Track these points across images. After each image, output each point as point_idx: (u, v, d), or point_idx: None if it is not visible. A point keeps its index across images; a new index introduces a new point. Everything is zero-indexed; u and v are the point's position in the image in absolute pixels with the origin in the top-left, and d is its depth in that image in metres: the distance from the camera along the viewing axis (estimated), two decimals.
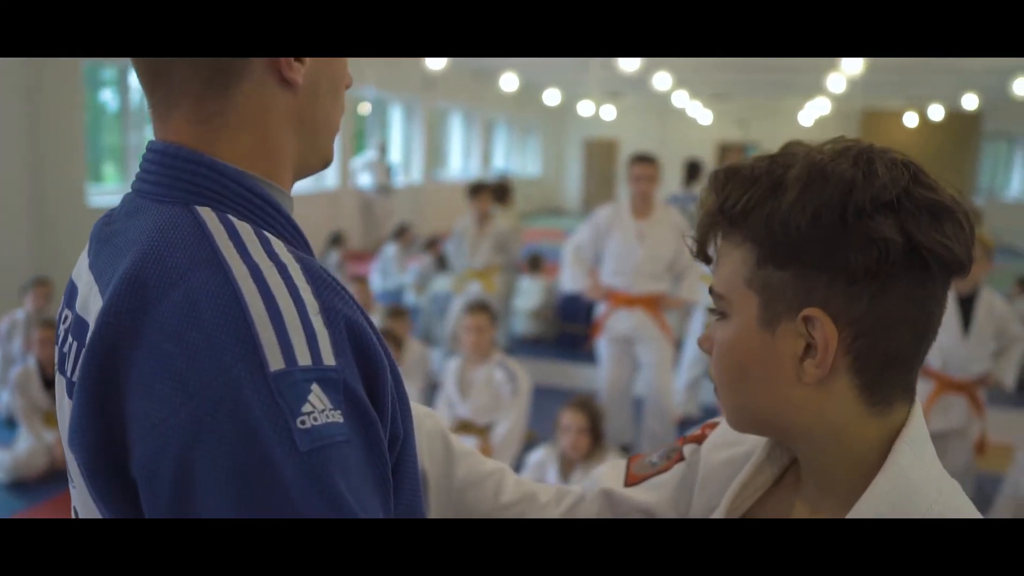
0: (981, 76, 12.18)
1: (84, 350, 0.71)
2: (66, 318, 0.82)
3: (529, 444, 4.34)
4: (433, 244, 8.75)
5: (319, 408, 0.66)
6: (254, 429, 0.64)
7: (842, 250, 0.74)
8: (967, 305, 3.83)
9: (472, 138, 17.21)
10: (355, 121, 12.64)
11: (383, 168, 12.48)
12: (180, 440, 0.65)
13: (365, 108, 12.89)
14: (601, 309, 4.88)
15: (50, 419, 4.53)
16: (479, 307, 4.34)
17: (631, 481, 1.05)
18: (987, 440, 4.02)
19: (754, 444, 0.93)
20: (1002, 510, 3.83)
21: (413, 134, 14.42)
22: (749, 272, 0.79)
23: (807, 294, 0.76)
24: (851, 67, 9.24)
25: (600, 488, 1.06)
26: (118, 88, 8.24)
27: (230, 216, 0.75)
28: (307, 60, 0.80)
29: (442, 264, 7.71)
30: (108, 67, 8.09)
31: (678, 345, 5.80)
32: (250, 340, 0.66)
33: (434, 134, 15.38)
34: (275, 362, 0.66)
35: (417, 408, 1.03)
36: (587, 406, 3.52)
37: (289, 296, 0.69)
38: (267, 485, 0.64)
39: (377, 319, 5.43)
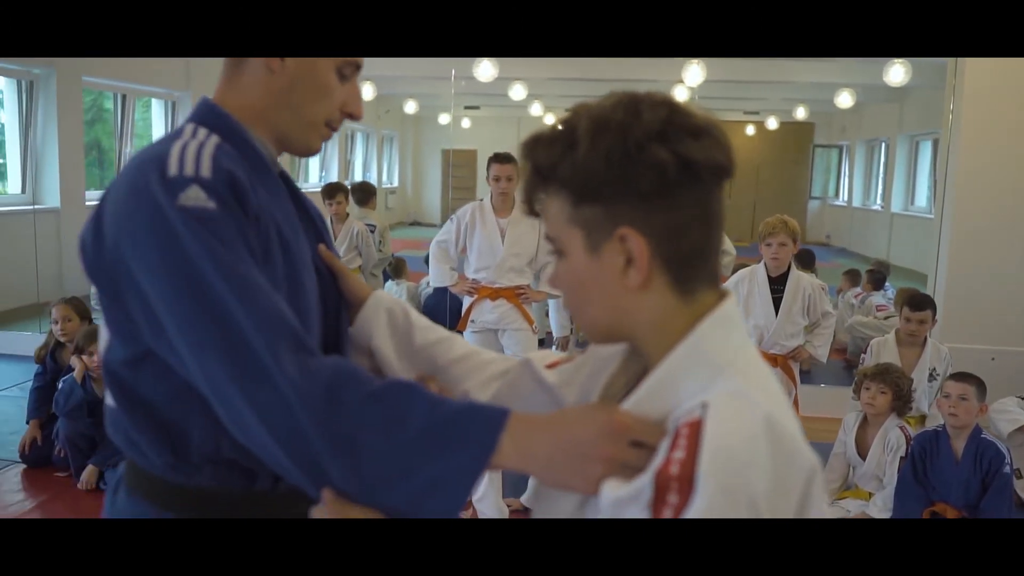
0: (810, 89, 13.10)
1: None
2: None
3: None
4: None
5: (196, 197, 1.12)
6: (158, 202, 1.12)
7: (632, 178, 0.93)
8: (778, 285, 4.18)
9: (331, 149, 17.06)
10: None
11: None
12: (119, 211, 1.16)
13: None
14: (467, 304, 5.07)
15: None
16: None
17: (550, 366, 1.23)
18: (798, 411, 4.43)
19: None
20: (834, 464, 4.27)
21: None
22: (569, 213, 0.98)
23: (616, 218, 0.96)
24: (693, 78, 9.80)
25: (525, 357, 1.27)
26: None
27: (203, 128, 1.26)
28: (288, 60, 1.25)
29: None
30: None
31: (541, 343, 6.02)
32: (162, 162, 1.16)
33: None
34: (173, 170, 1.14)
35: (381, 295, 1.41)
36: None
37: (195, 149, 1.18)
38: (168, 233, 1.10)
39: None
